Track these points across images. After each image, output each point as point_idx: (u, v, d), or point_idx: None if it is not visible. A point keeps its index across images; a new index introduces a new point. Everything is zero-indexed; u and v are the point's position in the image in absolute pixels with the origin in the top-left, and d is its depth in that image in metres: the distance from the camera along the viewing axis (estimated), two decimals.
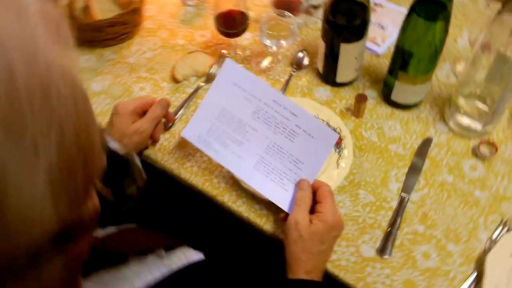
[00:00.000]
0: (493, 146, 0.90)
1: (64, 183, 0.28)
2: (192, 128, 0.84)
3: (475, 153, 0.90)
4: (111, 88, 1.01)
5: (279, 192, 0.79)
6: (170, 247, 0.67)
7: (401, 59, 0.87)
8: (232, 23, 0.96)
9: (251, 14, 1.02)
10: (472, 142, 0.92)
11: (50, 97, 0.26)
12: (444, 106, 0.96)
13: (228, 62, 0.83)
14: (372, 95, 0.99)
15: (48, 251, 0.30)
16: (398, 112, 0.96)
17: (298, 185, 0.78)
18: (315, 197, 0.76)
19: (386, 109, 0.97)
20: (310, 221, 0.73)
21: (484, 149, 0.90)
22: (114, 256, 0.58)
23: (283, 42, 0.94)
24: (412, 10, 0.81)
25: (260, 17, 0.95)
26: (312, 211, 0.75)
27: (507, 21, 0.74)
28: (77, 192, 0.30)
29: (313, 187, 0.77)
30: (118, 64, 1.04)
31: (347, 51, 0.91)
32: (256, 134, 0.81)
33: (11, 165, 0.24)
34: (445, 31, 0.82)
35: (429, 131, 0.94)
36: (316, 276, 0.71)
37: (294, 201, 0.76)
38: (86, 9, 1.00)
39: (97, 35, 1.03)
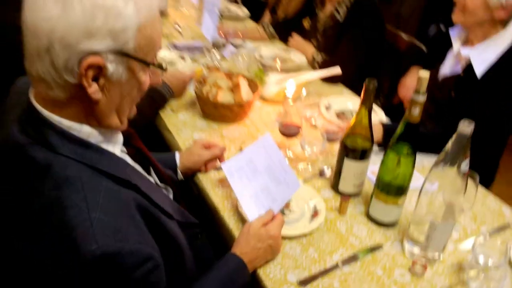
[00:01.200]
0: (424, 267, 1.15)
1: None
2: (229, 164, 1.30)
3: (409, 267, 1.16)
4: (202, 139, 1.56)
5: (253, 212, 1.18)
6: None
7: (378, 183, 1.24)
8: (288, 129, 1.47)
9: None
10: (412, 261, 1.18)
11: None
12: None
13: (267, 135, 1.32)
14: (360, 209, 1.34)
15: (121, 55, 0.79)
16: (371, 225, 1.29)
17: (267, 211, 1.16)
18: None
19: (364, 220, 1.30)
20: (259, 228, 1.10)
21: (417, 267, 1.15)
22: (148, 164, 1.05)
23: (314, 148, 1.41)
24: (389, 148, 1.21)
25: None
26: None
27: (440, 171, 1.09)
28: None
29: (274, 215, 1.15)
30: (215, 131, 1.61)
31: (349, 167, 1.32)
32: (262, 178, 1.24)
33: None
34: (409, 168, 1.19)
35: (386, 244, 1.23)
36: (246, 260, 1.06)
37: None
38: (216, 95, 1.62)
39: (214, 111, 1.63)
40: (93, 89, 0.78)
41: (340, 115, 1.80)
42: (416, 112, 1.13)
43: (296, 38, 2.26)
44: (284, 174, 1.22)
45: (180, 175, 1.36)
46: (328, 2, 2.18)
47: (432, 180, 1.11)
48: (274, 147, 1.28)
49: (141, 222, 0.83)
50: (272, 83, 1.82)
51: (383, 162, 1.23)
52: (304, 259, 1.16)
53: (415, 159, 1.20)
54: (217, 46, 2.04)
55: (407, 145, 1.18)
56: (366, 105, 1.27)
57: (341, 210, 1.31)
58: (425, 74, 1.10)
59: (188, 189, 1.39)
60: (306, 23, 2.33)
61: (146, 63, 0.83)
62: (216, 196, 1.33)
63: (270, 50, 2.25)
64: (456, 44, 1.76)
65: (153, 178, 1.08)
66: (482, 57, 1.65)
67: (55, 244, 0.74)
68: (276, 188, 1.21)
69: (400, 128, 1.18)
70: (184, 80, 1.72)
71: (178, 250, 0.97)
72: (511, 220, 1.37)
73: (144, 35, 0.80)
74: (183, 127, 1.63)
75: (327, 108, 1.82)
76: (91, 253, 0.72)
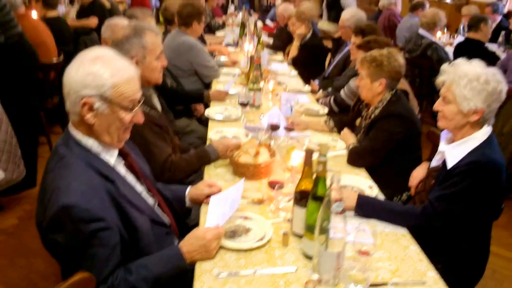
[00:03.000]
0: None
1: None
2: (214, 197, 1.87)
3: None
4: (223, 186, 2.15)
5: (211, 223, 1.72)
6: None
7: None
8: (274, 183, 1.98)
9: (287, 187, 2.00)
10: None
11: None
12: None
13: (241, 181, 1.87)
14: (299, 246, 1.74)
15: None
16: (302, 257, 1.68)
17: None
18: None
19: (298, 252, 1.71)
20: (200, 232, 1.64)
21: (309, 285, 1.52)
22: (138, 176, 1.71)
23: (286, 198, 1.89)
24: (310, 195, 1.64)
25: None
26: None
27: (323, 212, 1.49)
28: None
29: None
30: (234, 182, 2.18)
31: (297, 212, 1.76)
32: (226, 206, 1.78)
33: None
34: (315, 212, 1.58)
35: (302, 269, 1.62)
36: (184, 250, 1.59)
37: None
38: (239, 156, 2.23)
39: (236, 169, 2.23)
40: (88, 116, 1.47)
41: (343, 187, 2.20)
42: (320, 168, 1.58)
43: (344, 131, 2.75)
44: (235, 207, 1.77)
45: (187, 202, 1.98)
46: (371, 105, 2.64)
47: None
48: (240, 190, 1.86)
49: (107, 202, 1.46)
50: (296, 158, 2.34)
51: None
52: (233, 264, 1.63)
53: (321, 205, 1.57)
54: (273, 128, 2.65)
55: (316, 194, 1.60)
56: (308, 165, 1.72)
57: (282, 242, 1.74)
58: (322, 141, 1.56)
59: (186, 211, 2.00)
60: (358, 121, 2.81)
61: (119, 106, 1.49)
62: (203, 219, 1.89)
63: (322, 138, 2.78)
64: (442, 143, 2.07)
65: (143, 187, 1.72)
66: (454, 153, 1.93)
67: (47, 198, 1.42)
68: (228, 213, 1.75)
69: (314, 183, 1.62)
70: (228, 147, 2.37)
71: (135, 232, 1.55)
72: (429, 281, 1.61)
73: (117, 90, 1.48)
74: (214, 177, 2.26)
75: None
76: (61, 203, 1.37)
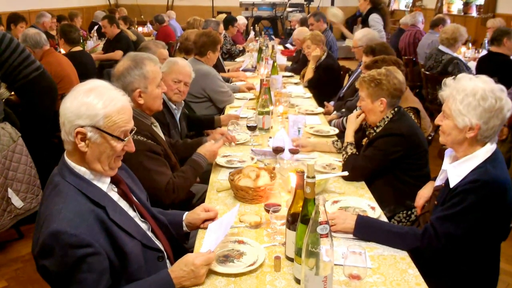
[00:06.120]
0: None
1: None
2: (212, 224, 1.86)
3: None
4: (220, 210, 2.14)
5: (204, 249, 1.70)
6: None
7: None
8: (270, 206, 1.95)
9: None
10: None
11: None
12: None
13: (236, 207, 1.86)
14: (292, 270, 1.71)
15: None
16: (293, 282, 1.64)
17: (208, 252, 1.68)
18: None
19: (290, 277, 1.67)
20: (190, 257, 1.62)
21: None
22: (131, 202, 1.73)
23: (281, 221, 1.86)
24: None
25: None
26: None
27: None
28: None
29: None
30: (233, 206, 2.17)
31: (290, 236, 1.73)
32: (219, 231, 1.77)
33: None
34: (303, 234, 1.54)
35: None
36: (172, 276, 1.58)
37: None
38: (239, 179, 2.22)
39: (236, 192, 2.22)
40: (81, 145, 1.52)
41: (343, 209, 2.15)
42: (308, 190, 1.55)
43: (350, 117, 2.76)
44: (227, 231, 1.76)
45: (185, 227, 1.98)
46: (374, 124, 2.60)
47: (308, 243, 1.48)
48: (233, 216, 1.86)
49: (96, 227, 1.48)
50: (294, 180, 2.31)
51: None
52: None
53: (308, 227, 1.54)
54: (277, 151, 2.64)
55: (305, 216, 1.57)
56: (301, 189, 1.70)
57: (274, 267, 1.71)
58: (310, 162, 1.53)
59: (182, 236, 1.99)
60: (365, 141, 2.76)
61: (111, 135, 1.54)
62: (199, 244, 1.88)
63: (328, 159, 2.74)
64: (446, 161, 2.00)
65: (136, 213, 1.73)
66: (457, 172, 1.87)
67: (40, 225, 1.45)
68: (220, 238, 1.73)
69: (303, 205, 1.59)
70: (214, 151, 2.51)
71: (124, 256, 1.55)
72: None
73: (110, 120, 1.52)
74: (215, 201, 2.26)
75: (335, 202, 2.20)
76: (51, 229, 1.40)
